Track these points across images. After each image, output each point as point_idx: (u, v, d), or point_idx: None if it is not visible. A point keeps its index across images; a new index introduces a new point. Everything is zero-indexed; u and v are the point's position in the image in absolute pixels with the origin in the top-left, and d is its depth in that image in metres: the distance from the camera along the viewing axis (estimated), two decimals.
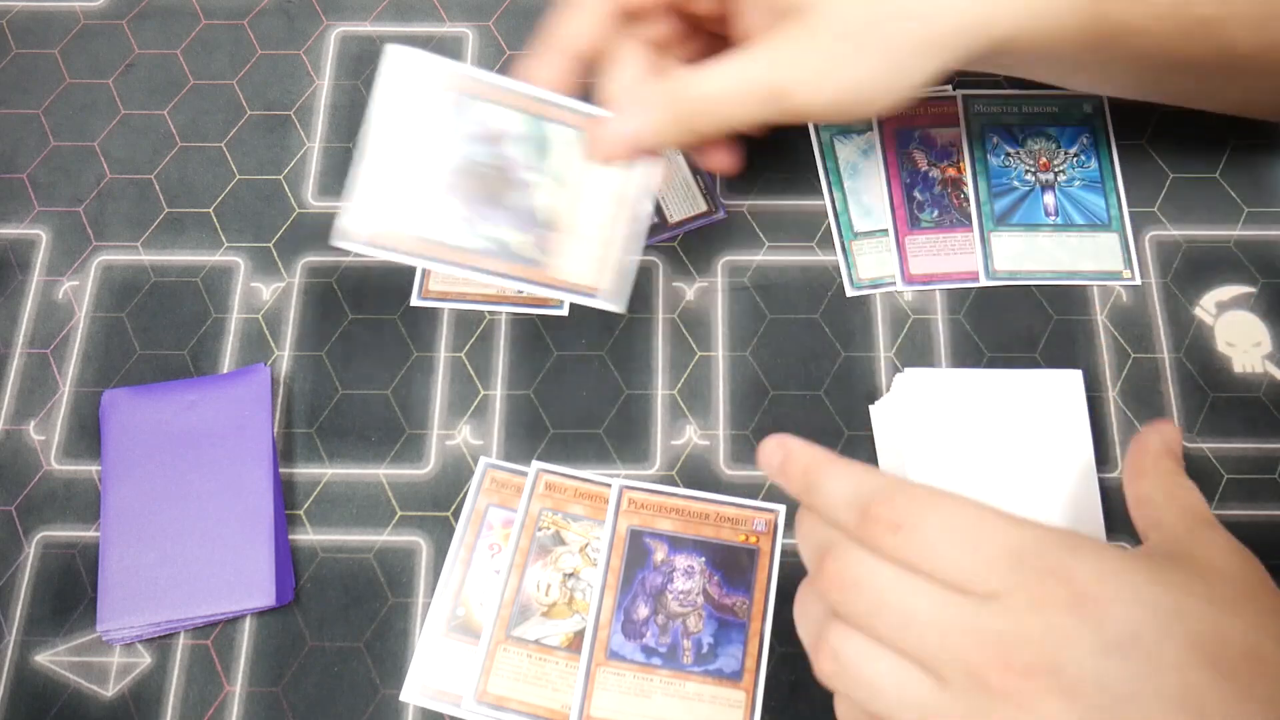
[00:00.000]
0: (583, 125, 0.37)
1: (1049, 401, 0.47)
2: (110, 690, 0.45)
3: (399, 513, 0.47)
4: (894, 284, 0.51)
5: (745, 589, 0.45)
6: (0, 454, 0.49)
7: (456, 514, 0.47)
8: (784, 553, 0.46)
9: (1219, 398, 0.49)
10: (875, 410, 0.48)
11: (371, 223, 0.38)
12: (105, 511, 0.46)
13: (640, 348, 0.50)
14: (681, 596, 0.45)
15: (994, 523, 0.30)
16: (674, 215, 0.53)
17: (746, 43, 0.37)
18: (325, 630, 0.45)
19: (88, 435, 0.49)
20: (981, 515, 0.30)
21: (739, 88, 0.36)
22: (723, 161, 0.42)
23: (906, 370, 0.48)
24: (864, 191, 0.53)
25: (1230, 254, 0.51)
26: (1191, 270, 0.51)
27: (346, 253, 0.52)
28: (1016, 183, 0.53)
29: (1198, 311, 0.50)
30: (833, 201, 0.53)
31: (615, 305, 0.40)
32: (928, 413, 0.46)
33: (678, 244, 0.52)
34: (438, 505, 0.48)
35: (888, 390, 0.48)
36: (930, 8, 0.36)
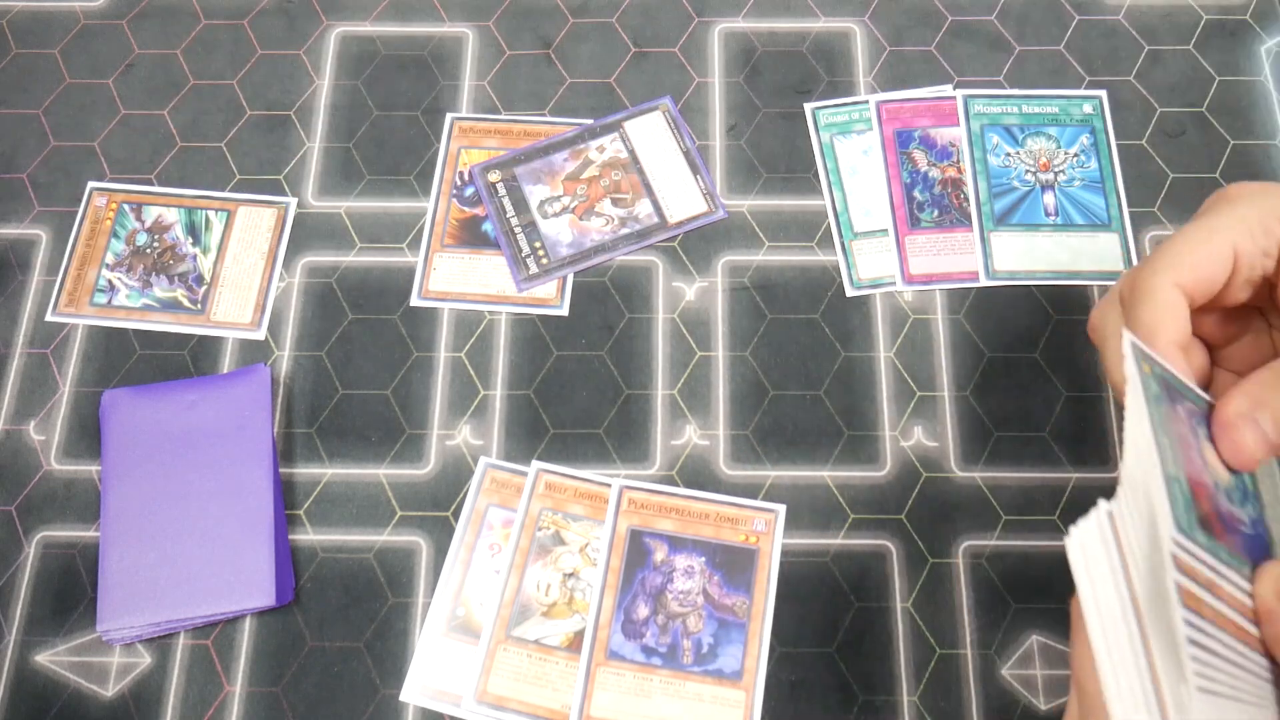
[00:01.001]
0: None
1: None
2: (110, 690, 0.45)
3: (399, 513, 0.47)
4: (894, 284, 0.51)
5: (745, 589, 0.45)
6: (0, 454, 0.49)
7: (456, 514, 0.47)
8: (784, 553, 0.46)
9: None
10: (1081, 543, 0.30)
11: None
12: (105, 511, 0.46)
13: (640, 348, 0.50)
14: (681, 596, 0.45)
15: None
16: (674, 215, 0.53)
17: None
18: (325, 630, 0.45)
19: (88, 435, 0.49)
20: None
21: None
22: None
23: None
24: (864, 191, 0.53)
25: None
26: None
27: (347, 252, 0.52)
28: (1016, 183, 0.53)
29: None
30: (833, 201, 0.53)
31: None
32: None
33: (678, 244, 0.52)
34: (438, 505, 0.48)
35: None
36: None
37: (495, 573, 0.46)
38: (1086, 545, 0.28)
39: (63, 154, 0.55)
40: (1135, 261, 0.51)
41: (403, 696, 0.44)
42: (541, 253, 0.52)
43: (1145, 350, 0.30)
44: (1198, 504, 0.30)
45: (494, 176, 0.53)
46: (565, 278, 0.51)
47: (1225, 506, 0.31)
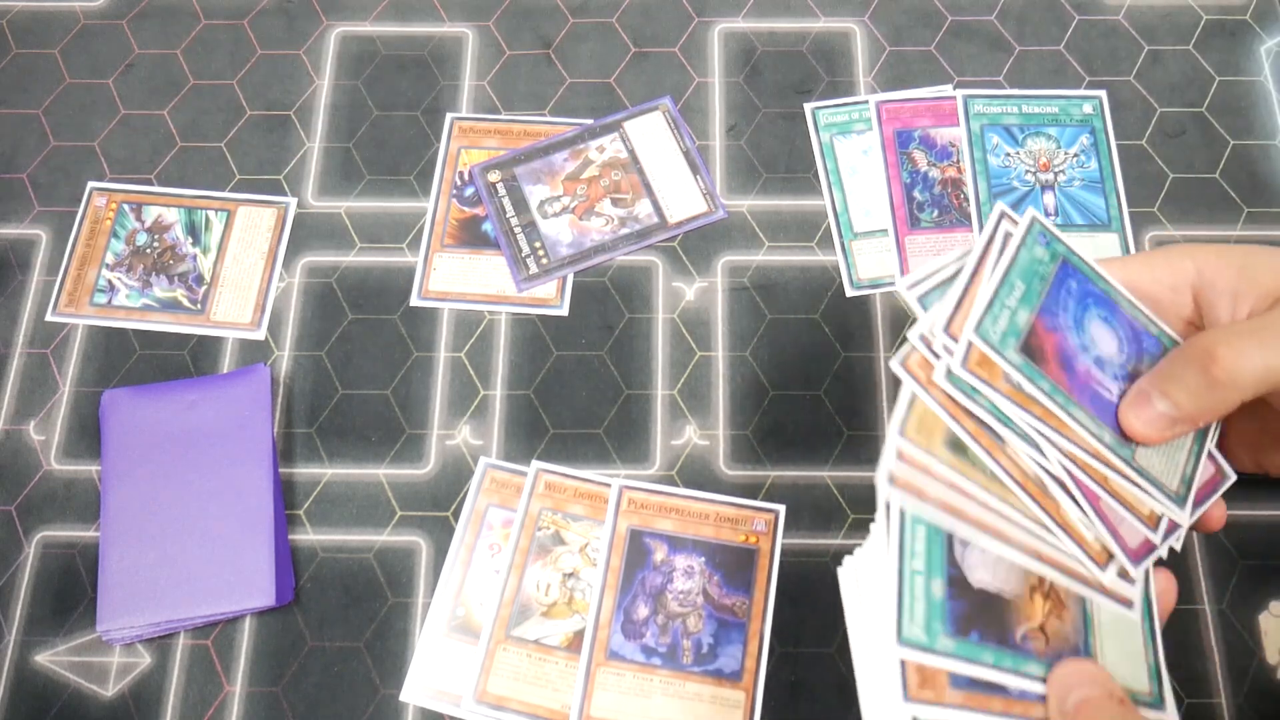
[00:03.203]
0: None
1: None
2: (110, 690, 0.45)
3: (399, 513, 0.47)
4: (894, 284, 0.51)
5: (745, 589, 0.45)
6: (0, 454, 0.49)
7: (456, 514, 0.47)
8: (784, 553, 0.46)
9: None
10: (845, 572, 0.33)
11: None
12: (105, 511, 0.46)
13: (640, 348, 0.50)
14: (681, 596, 0.45)
15: None
16: (674, 215, 0.53)
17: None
18: (325, 630, 0.45)
19: (88, 435, 0.49)
20: None
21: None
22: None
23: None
24: (864, 191, 0.53)
25: None
26: None
27: (347, 252, 0.52)
28: (1016, 183, 0.53)
29: None
30: (833, 201, 0.53)
31: None
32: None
33: (678, 244, 0.52)
34: (438, 505, 0.48)
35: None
36: None
37: (495, 573, 0.46)
38: (854, 574, 0.31)
39: (63, 154, 0.55)
40: None
41: (403, 696, 0.44)
42: (541, 253, 0.52)
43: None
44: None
45: (494, 176, 0.53)
46: (565, 278, 0.51)
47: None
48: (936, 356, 0.31)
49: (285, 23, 0.58)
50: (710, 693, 0.44)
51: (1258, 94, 0.55)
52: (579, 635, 0.45)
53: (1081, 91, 0.55)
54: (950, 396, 0.31)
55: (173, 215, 0.53)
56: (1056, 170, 0.53)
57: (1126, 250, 0.51)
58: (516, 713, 0.43)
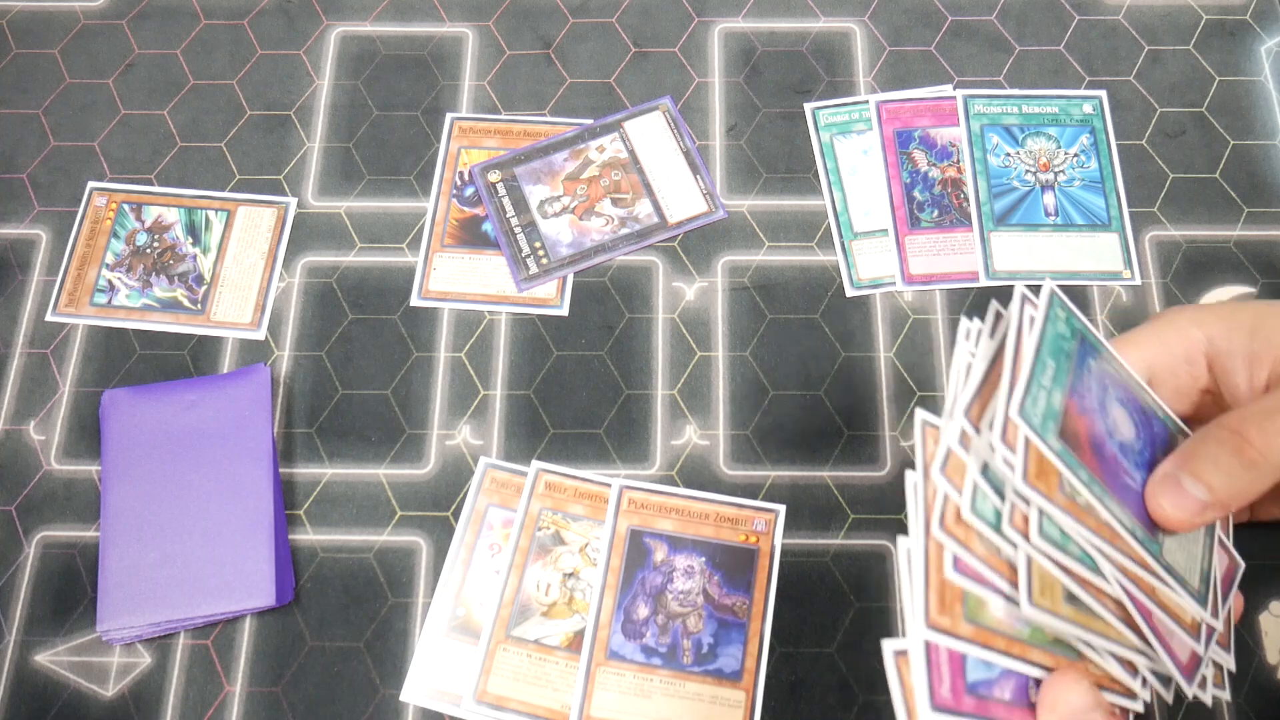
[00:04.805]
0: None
1: None
2: (110, 690, 0.45)
3: (399, 513, 0.47)
4: (894, 284, 0.51)
5: (745, 589, 0.45)
6: (0, 454, 0.49)
7: (456, 514, 0.47)
8: (784, 553, 0.46)
9: None
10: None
11: None
12: (105, 511, 0.46)
13: (640, 348, 0.50)
14: (681, 596, 0.45)
15: None
16: (674, 215, 0.53)
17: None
18: (325, 630, 0.45)
19: (88, 435, 0.49)
20: None
21: None
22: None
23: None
24: (864, 191, 0.53)
25: (1230, 254, 0.51)
26: (1191, 270, 0.51)
27: (347, 252, 0.52)
28: (1016, 183, 0.53)
29: None
30: (833, 201, 0.53)
31: None
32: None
33: (678, 244, 0.52)
34: (438, 505, 0.48)
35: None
36: None
37: (495, 573, 0.46)
38: (912, 487, 0.30)
39: (63, 154, 0.55)
40: (1135, 261, 0.51)
41: (403, 696, 0.44)
42: (541, 253, 0.52)
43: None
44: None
45: (494, 176, 0.53)
46: (565, 278, 0.51)
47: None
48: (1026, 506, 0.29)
49: (285, 23, 0.58)
50: (710, 693, 0.44)
51: (1258, 94, 0.55)
52: (579, 635, 0.45)
53: (1081, 91, 0.55)
54: (1048, 554, 0.29)
55: (173, 215, 0.53)
56: (1056, 170, 0.53)
57: (1126, 251, 0.51)
58: (516, 713, 0.43)
